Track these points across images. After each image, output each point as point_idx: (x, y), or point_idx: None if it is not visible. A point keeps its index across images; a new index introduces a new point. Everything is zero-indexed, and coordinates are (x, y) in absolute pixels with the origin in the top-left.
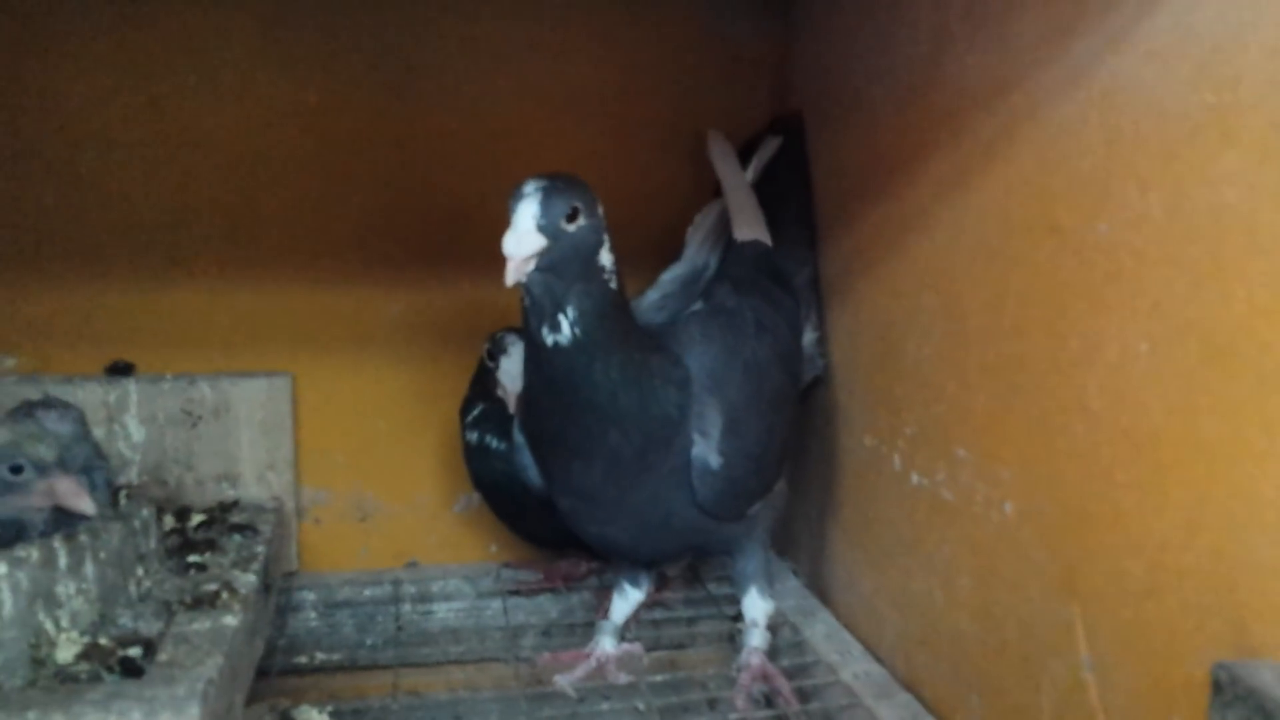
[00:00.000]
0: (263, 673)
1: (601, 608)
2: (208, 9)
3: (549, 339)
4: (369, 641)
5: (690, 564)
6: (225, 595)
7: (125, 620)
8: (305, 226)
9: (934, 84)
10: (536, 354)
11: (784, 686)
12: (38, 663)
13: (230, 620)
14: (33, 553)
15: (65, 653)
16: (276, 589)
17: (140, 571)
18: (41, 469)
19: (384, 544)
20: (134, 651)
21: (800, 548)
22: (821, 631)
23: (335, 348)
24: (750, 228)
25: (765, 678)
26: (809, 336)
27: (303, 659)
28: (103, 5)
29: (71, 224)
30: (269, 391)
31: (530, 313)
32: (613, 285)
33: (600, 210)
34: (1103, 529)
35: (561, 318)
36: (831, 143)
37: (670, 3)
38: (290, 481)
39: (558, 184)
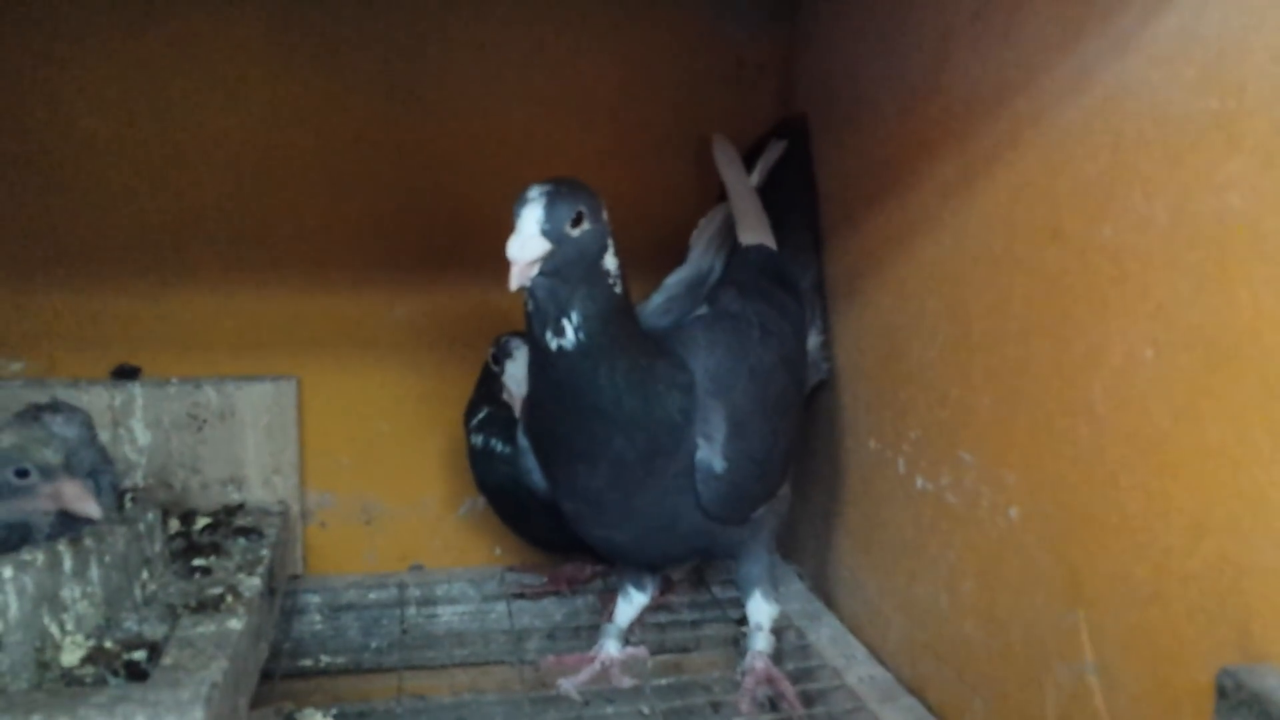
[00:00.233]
0: (267, 676)
1: (606, 611)
2: (214, 13)
3: (553, 343)
4: (374, 645)
5: (695, 567)
6: (230, 599)
7: (130, 624)
8: (310, 230)
9: (939, 88)
10: (541, 358)
11: (788, 690)
12: (43, 666)
13: (235, 624)
14: (38, 556)
15: (70, 656)
16: (281, 592)
17: (145, 575)
18: (47, 473)
19: (389, 547)
20: (139, 655)
21: (805, 551)
22: (826, 635)
23: (340, 351)
24: (755, 232)
25: (770, 681)
26: (814, 340)
27: (307, 662)
28: (108, 10)
29: (77, 228)
30: (274, 395)
31: (534, 317)
32: (617, 290)
33: (605, 215)
34: (1107, 533)
35: (565, 322)
36: (836, 147)
37: (675, 7)
38: (295, 485)
39: (562, 189)
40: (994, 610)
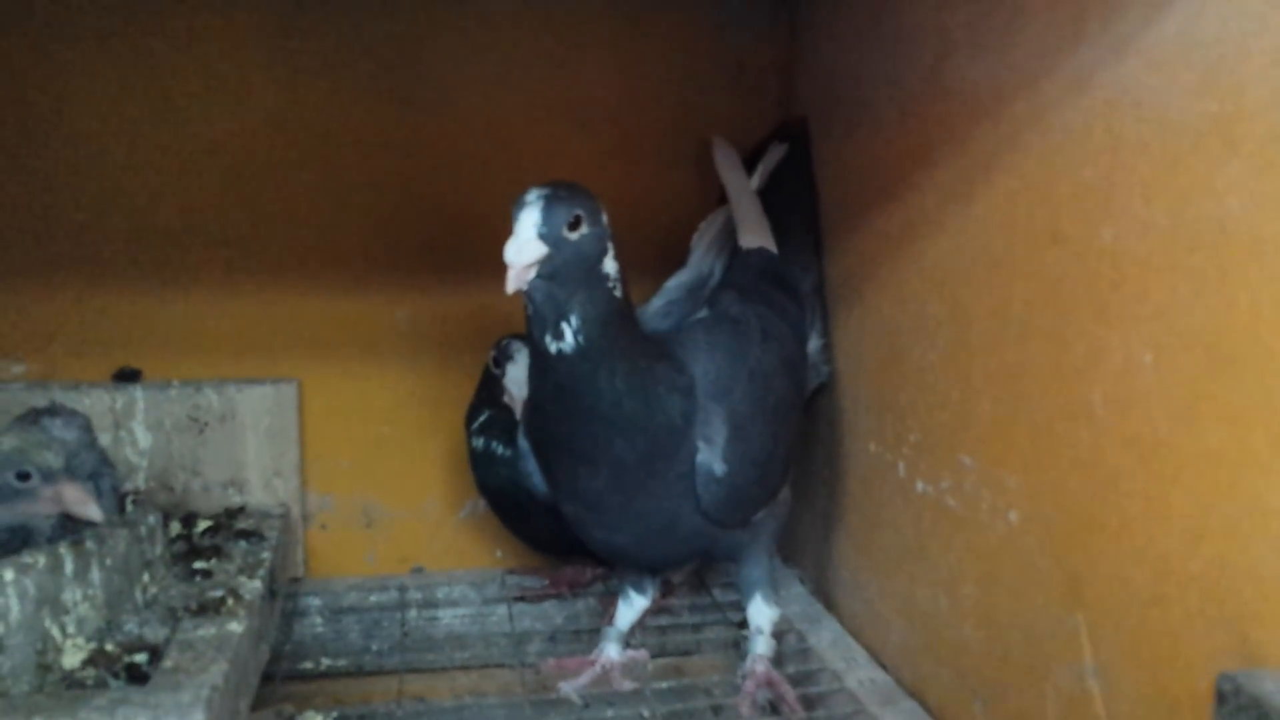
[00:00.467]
0: (268, 678)
1: (607, 614)
2: (216, 16)
3: (552, 346)
4: (374, 647)
5: (696, 570)
6: (230, 601)
7: (131, 626)
8: (312, 233)
9: (938, 91)
10: (541, 361)
11: (788, 693)
12: (44, 668)
13: (235, 626)
14: (39, 559)
15: (71, 659)
16: (282, 595)
17: (146, 578)
18: (48, 475)
19: (390, 550)
20: (139, 658)
21: (805, 554)
22: (827, 638)
23: (341, 354)
24: (755, 235)
25: (770, 684)
26: (814, 344)
27: (308, 665)
28: (111, 13)
29: (79, 231)
30: (275, 398)
31: (533, 320)
32: (617, 293)
33: (604, 219)
34: (1107, 537)
35: (565, 325)
36: (836, 150)
37: (676, 11)
38: (296, 488)
39: (560, 192)
40: (994, 614)
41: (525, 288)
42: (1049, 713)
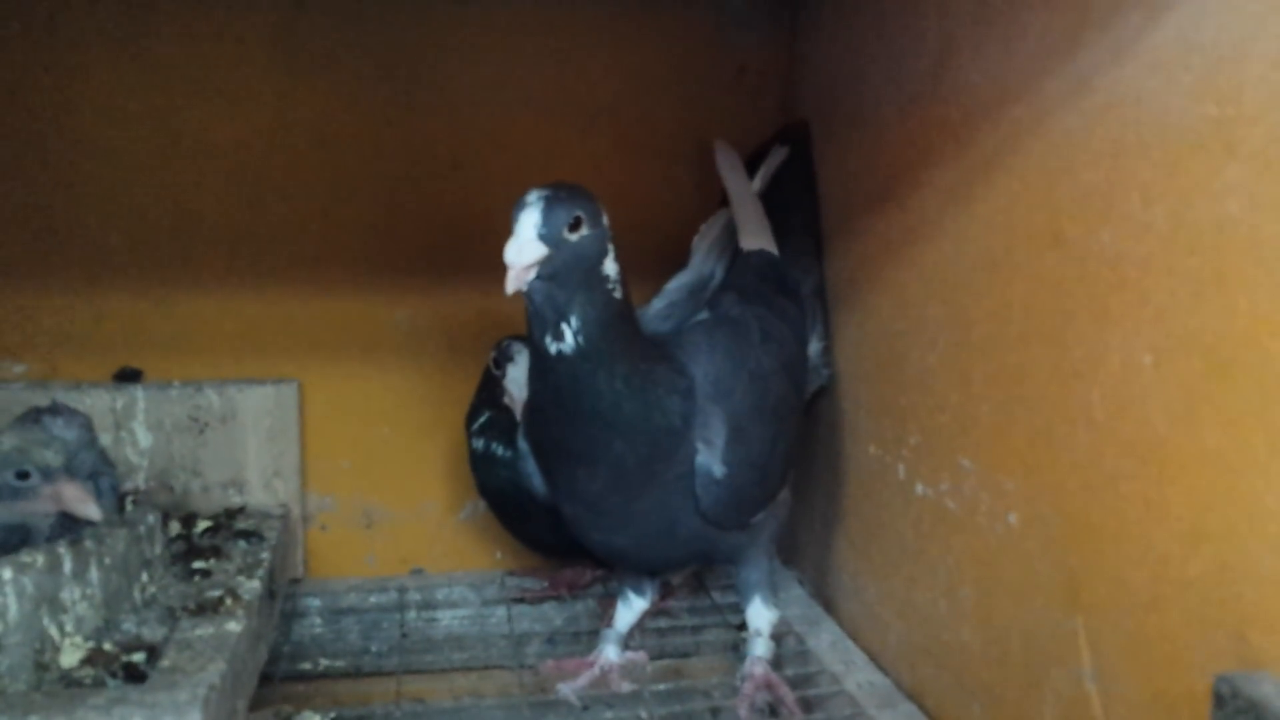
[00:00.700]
0: (267, 678)
1: (606, 616)
2: (218, 18)
3: (552, 347)
4: (373, 648)
5: (695, 572)
6: (229, 601)
7: (129, 625)
8: (312, 234)
9: (939, 94)
10: (540, 362)
11: (787, 696)
12: (42, 667)
13: (234, 626)
14: (38, 558)
15: (69, 658)
16: (281, 595)
17: (145, 577)
18: (48, 474)
19: (389, 551)
20: (137, 657)
21: (805, 557)
22: (826, 641)
23: (342, 355)
24: (756, 237)
25: (769, 687)
26: (814, 346)
27: (307, 665)
28: (112, 15)
29: (80, 231)
30: (275, 398)
31: (533, 321)
32: (617, 295)
33: (605, 220)
34: (1106, 540)
35: (565, 326)
36: (838, 152)
37: (678, 13)
38: (296, 488)
39: (560, 193)
40: (992, 616)
41: (525, 288)
42: (1047, 715)
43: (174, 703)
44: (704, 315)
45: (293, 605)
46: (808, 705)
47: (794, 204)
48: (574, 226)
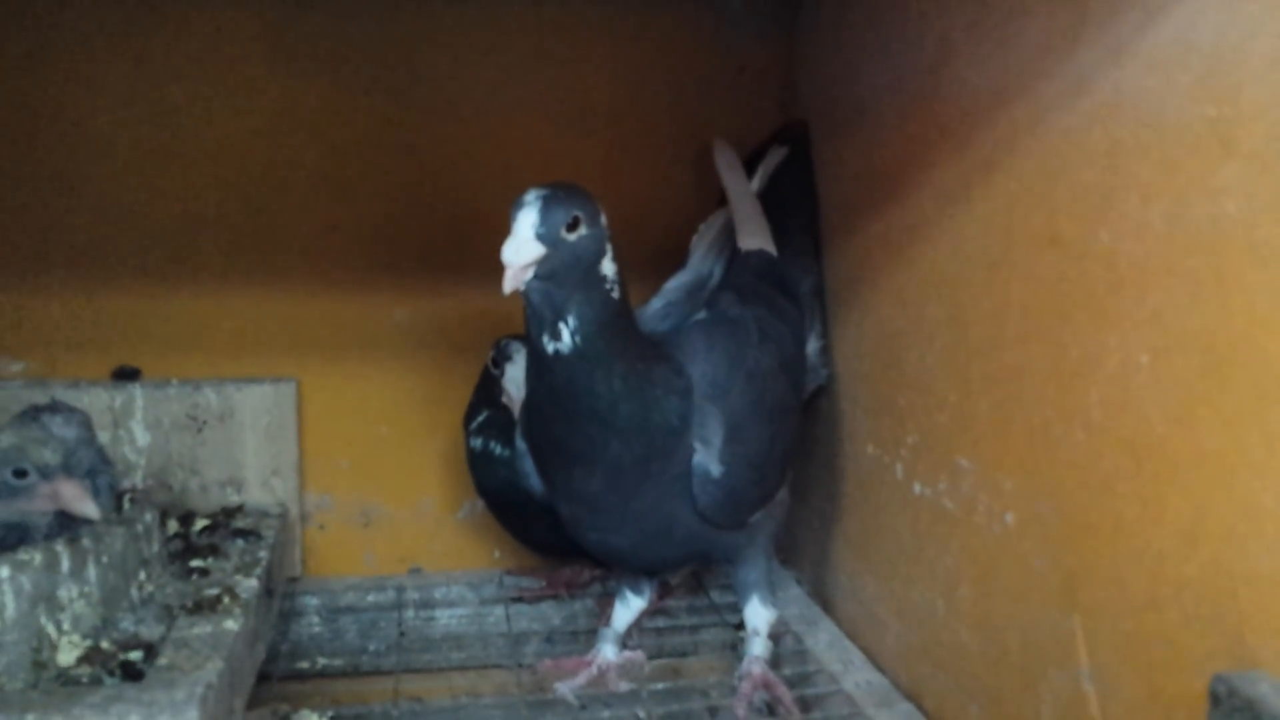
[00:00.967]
0: (264, 677)
1: (603, 615)
2: (215, 17)
3: (550, 347)
4: (371, 647)
5: (693, 572)
6: (227, 600)
7: (127, 624)
8: (311, 233)
9: (937, 94)
10: (538, 362)
11: (785, 695)
12: (39, 666)
13: (231, 625)
14: (35, 556)
15: (66, 656)
16: (279, 594)
17: (143, 575)
18: (46, 473)
19: (387, 550)
20: (135, 655)
21: (803, 556)
22: (824, 640)
23: (340, 354)
24: (755, 237)
25: (766, 686)
26: (813, 345)
27: (305, 664)
28: (110, 13)
29: (78, 230)
30: (274, 397)
31: (531, 321)
32: (615, 295)
33: (603, 220)
34: (1103, 540)
35: (562, 326)
36: (837, 152)
37: (677, 13)
38: (294, 487)
39: (558, 193)
40: (990, 616)
41: (523, 288)
42: (1045, 715)
43: (171, 701)
44: (702, 315)
45: (290, 604)
46: (805, 705)
47: (793, 204)
48: (572, 226)
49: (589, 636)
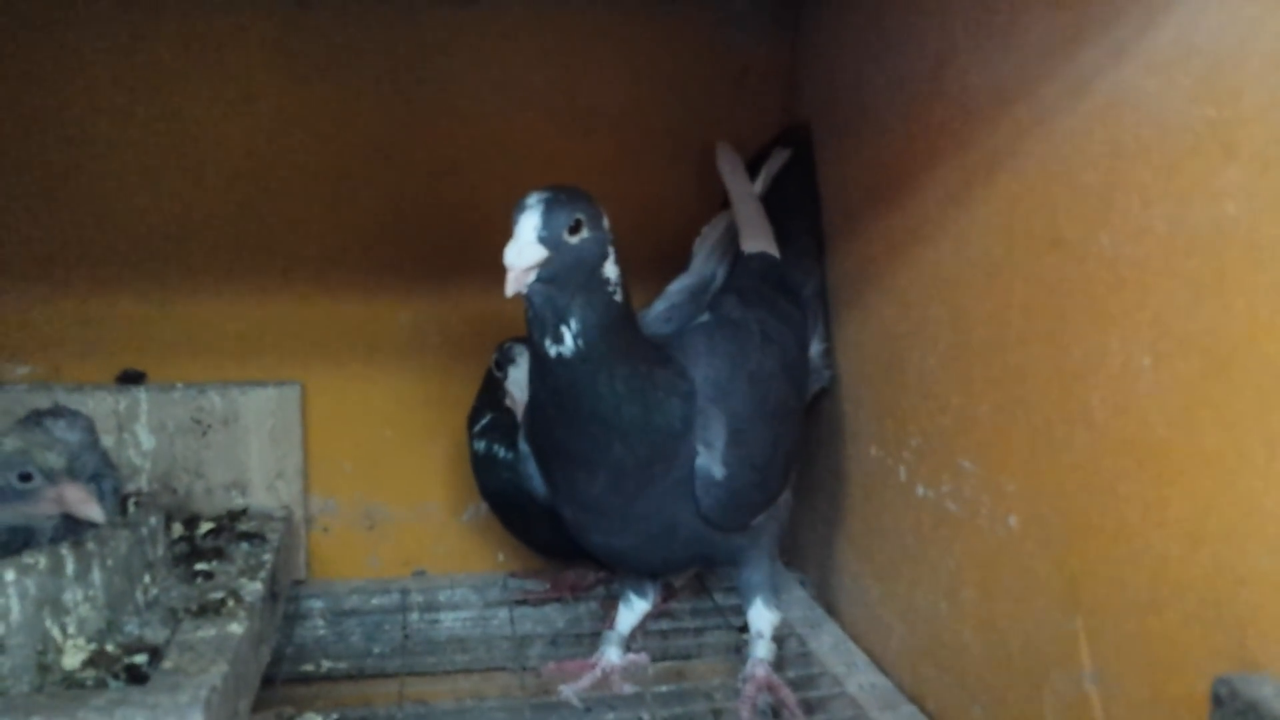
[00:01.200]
0: (269, 680)
1: (608, 618)
2: (221, 19)
3: (552, 350)
4: (376, 650)
5: (697, 574)
6: (231, 603)
7: (132, 627)
8: (315, 236)
9: (940, 96)
10: (540, 365)
11: (789, 698)
12: (44, 669)
13: (236, 628)
14: (40, 560)
15: (72, 659)
16: (284, 597)
17: (147, 579)
18: (50, 476)
19: (392, 553)
20: (140, 658)
21: (807, 559)
22: (828, 643)
23: (344, 357)
24: (757, 239)
25: (770, 689)
26: (815, 348)
27: (309, 667)
28: (113, 17)
29: (82, 234)
30: (278, 400)
31: (533, 324)
32: (617, 298)
33: (606, 223)
34: (1105, 541)
35: (564, 329)
36: (839, 154)
37: (679, 15)
38: (299, 490)
39: (560, 196)
40: (993, 618)
41: (525, 291)
42: (1048, 716)
43: (176, 704)
44: (705, 317)
45: (295, 607)
46: (809, 707)
47: (795, 206)
48: (574, 229)
49: (593, 639)
